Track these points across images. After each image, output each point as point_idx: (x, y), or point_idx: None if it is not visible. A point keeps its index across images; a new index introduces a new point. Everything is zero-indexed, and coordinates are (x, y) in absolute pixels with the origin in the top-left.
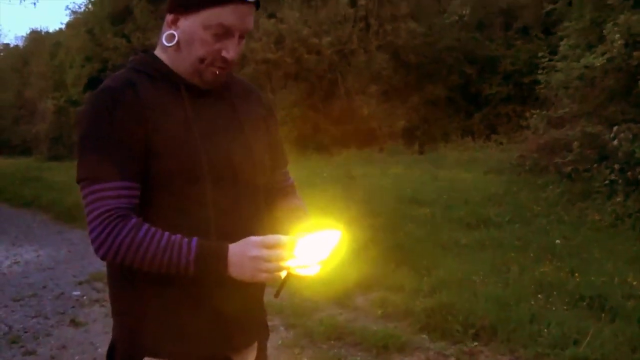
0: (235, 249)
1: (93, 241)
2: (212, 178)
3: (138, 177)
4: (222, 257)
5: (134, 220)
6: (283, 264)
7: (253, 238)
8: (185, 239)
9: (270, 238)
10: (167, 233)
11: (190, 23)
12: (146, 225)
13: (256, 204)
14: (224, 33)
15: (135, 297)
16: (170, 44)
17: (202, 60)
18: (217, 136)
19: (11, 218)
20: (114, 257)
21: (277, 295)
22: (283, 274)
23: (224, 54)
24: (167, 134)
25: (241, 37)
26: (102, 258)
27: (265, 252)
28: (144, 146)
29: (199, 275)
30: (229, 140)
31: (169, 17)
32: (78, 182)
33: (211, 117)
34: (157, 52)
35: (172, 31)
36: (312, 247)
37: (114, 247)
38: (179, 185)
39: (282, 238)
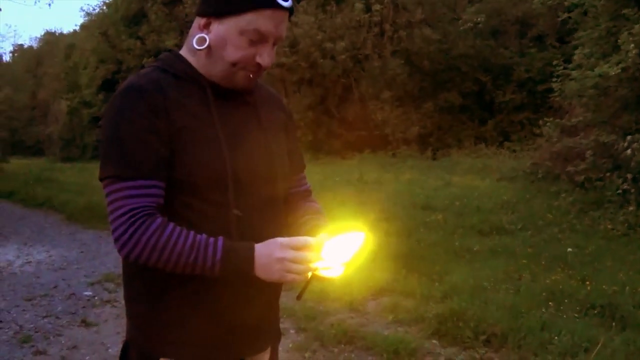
0: (261, 250)
1: (117, 240)
2: (235, 182)
3: (164, 176)
4: (249, 257)
5: (159, 220)
6: (310, 265)
7: (280, 239)
8: (212, 239)
9: (297, 239)
10: (192, 233)
11: (225, 28)
12: (172, 225)
13: (276, 209)
14: (258, 39)
15: (152, 300)
16: (200, 48)
17: (234, 64)
18: (241, 141)
19: (24, 218)
20: (138, 256)
21: (299, 297)
22: (309, 276)
23: (258, 59)
24: (193, 136)
25: (275, 43)
26: (126, 257)
27: (292, 254)
28: (169, 146)
29: (225, 276)
30: (252, 146)
31: (201, 21)
32: (102, 179)
33: (236, 122)
34: (184, 53)
35: (203, 34)
36: (338, 249)
37: (139, 247)
38: (201, 188)
39: (310, 240)
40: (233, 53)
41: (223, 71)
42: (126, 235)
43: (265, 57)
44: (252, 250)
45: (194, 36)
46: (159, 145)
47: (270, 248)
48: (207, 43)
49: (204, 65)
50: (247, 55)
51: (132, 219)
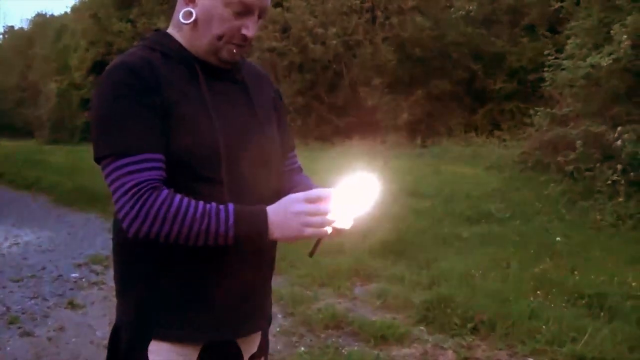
0: (275, 208)
1: (124, 218)
2: (227, 158)
3: (163, 149)
4: (262, 217)
5: (166, 191)
6: (328, 217)
7: (293, 195)
8: (222, 205)
9: (311, 192)
10: (201, 202)
11: (211, 0)
12: (179, 195)
13: (269, 185)
14: (244, 10)
15: (146, 283)
16: (187, 22)
17: (220, 37)
18: (232, 117)
19: (12, 200)
20: (149, 231)
21: (312, 254)
22: (328, 230)
23: (244, 31)
24: (184, 112)
25: (259, 15)
26: (135, 235)
27: (309, 207)
28: (162, 121)
29: (239, 241)
30: (243, 122)
31: None
32: (99, 159)
33: (225, 98)
34: (171, 31)
35: (189, 8)
36: (351, 199)
37: (148, 221)
38: (194, 165)
39: (324, 190)
40: (219, 25)
41: (209, 45)
42: (134, 211)
43: (250, 28)
44: (265, 210)
45: (180, 11)
46: (155, 119)
47: (284, 205)
48: (194, 17)
49: (190, 40)
50: (233, 27)
51: (138, 194)
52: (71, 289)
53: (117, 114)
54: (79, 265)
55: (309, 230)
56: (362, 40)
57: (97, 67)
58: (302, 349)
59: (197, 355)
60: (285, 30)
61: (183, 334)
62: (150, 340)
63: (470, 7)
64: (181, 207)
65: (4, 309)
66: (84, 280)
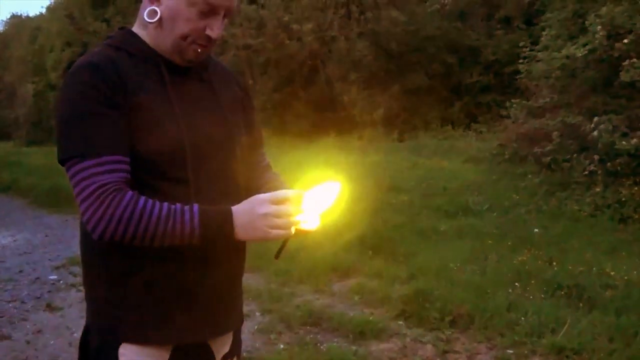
0: (241, 209)
1: (88, 221)
2: (193, 157)
3: (127, 151)
4: (228, 218)
5: (130, 193)
6: (293, 218)
7: (260, 196)
8: (186, 206)
9: (277, 193)
10: (165, 203)
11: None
12: (143, 197)
13: (235, 183)
14: (209, 11)
15: (113, 284)
16: (152, 21)
17: (184, 37)
18: (197, 115)
19: None
20: (113, 233)
21: (277, 256)
22: (292, 231)
23: (208, 32)
24: (149, 112)
25: (225, 15)
26: (100, 237)
27: (275, 208)
28: (128, 122)
29: (205, 242)
30: (209, 120)
31: None
32: (63, 161)
33: (191, 97)
34: (136, 29)
35: (154, 7)
36: (316, 200)
37: (112, 223)
38: (159, 164)
39: (290, 192)
40: (183, 25)
41: (173, 45)
42: (98, 214)
43: (215, 29)
44: (229, 211)
45: (145, 9)
46: (119, 120)
47: (249, 206)
48: (158, 16)
49: (155, 39)
50: (197, 28)
51: (102, 197)
52: (49, 291)
53: (81, 115)
54: (57, 268)
55: (274, 232)
56: (337, 35)
57: None
58: (281, 346)
59: (168, 357)
60: (260, 27)
61: (153, 336)
62: (120, 342)
63: (445, 1)
64: (145, 209)
65: None
66: (61, 282)
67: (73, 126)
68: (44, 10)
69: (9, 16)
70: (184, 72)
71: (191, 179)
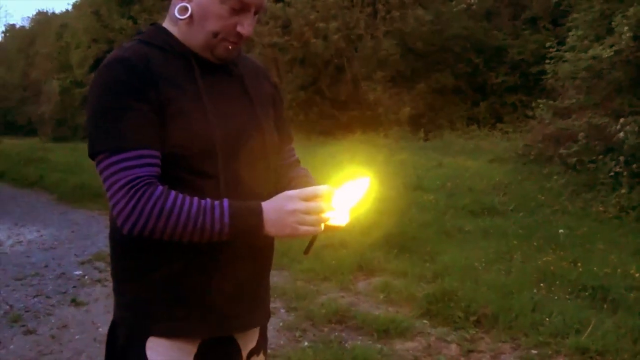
0: (270, 205)
1: (118, 215)
2: (224, 152)
3: (159, 145)
4: (258, 214)
5: (160, 188)
6: (323, 215)
7: (289, 192)
8: (217, 202)
9: (307, 190)
10: (196, 198)
11: None
12: (174, 192)
13: (266, 179)
14: (240, 8)
15: (141, 279)
16: (182, 17)
17: (215, 34)
18: (229, 111)
19: (15, 198)
20: (143, 228)
21: (307, 251)
22: (322, 227)
23: (239, 29)
24: (180, 107)
25: (256, 12)
26: (130, 232)
27: (304, 205)
28: (159, 116)
29: (234, 238)
30: (240, 116)
31: None
32: (93, 155)
33: (222, 92)
34: (166, 25)
35: (185, 4)
36: (346, 197)
37: (143, 218)
38: (190, 159)
39: (319, 189)
40: (214, 22)
41: (204, 41)
42: (128, 208)
43: (246, 26)
44: (260, 207)
45: (176, 5)
46: (151, 114)
47: (279, 202)
48: (189, 12)
49: (185, 36)
50: (229, 25)
51: (132, 190)
52: (74, 287)
53: (112, 109)
54: (82, 263)
55: (303, 229)
56: (364, 34)
57: (99, 64)
58: (306, 343)
59: (195, 351)
60: (286, 25)
61: (181, 330)
62: (148, 336)
63: (472, 1)
64: (176, 204)
65: (7, 307)
66: (86, 277)
67: (104, 120)
68: (69, 7)
69: (34, 13)
70: (215, 67)
71: (221, 173)
